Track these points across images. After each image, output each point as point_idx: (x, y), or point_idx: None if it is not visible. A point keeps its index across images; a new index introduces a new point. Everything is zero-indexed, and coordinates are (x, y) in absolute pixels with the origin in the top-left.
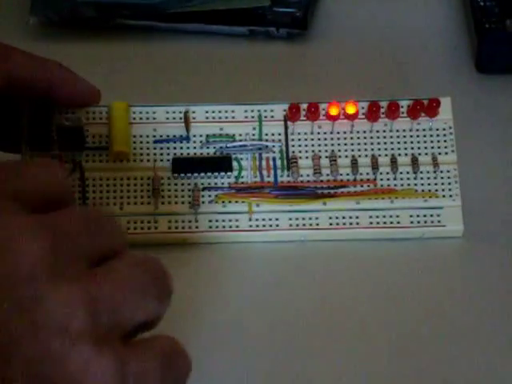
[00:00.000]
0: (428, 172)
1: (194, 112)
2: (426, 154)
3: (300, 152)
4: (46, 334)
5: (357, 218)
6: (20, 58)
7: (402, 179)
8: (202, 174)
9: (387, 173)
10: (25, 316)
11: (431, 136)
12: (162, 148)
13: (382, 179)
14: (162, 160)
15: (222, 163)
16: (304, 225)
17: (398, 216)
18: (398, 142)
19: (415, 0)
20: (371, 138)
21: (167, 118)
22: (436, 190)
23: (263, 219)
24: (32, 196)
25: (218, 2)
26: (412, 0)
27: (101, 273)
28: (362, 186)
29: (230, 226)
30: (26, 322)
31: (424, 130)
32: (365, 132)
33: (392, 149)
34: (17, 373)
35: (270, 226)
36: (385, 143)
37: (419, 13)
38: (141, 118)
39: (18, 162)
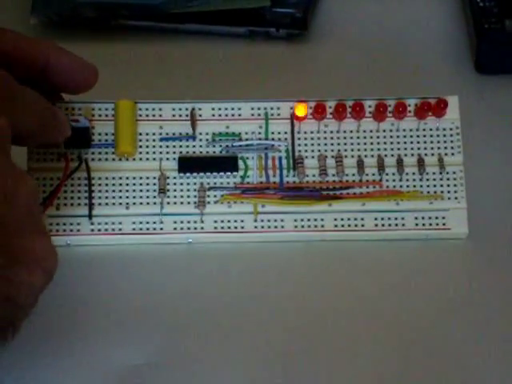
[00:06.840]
0: (434, 173)
1: (200, 109)
2: (433, 154)
3: (306, 151)
4: None
5: (362, 219)
6: (13, 37)
7: (407, 180)
8: (208, 174)
9: (393, 174)
10: None
11: (438, 136)
12: (168, 146)
13: (387, 180)
14: (167, 159)
15: (227, 163)
16: (309, 226)
17: (403, 218)
18: (405, 143)
19: (415, 0)
20: (377, 137)
21: (173, 116)
22: (442, 192)
23: (268, 220)
24: None
25: (218, 3)
26: (412, 0)
27: None
28: (367, 188)
29: (235, 227)
30: None
31: (431, 129)
32: (371, 131)
33: (398, 149)
34: None
35: (275, 227)
36: (391, 143)
37: (418, 13)
38: (147, 115)
39: None
